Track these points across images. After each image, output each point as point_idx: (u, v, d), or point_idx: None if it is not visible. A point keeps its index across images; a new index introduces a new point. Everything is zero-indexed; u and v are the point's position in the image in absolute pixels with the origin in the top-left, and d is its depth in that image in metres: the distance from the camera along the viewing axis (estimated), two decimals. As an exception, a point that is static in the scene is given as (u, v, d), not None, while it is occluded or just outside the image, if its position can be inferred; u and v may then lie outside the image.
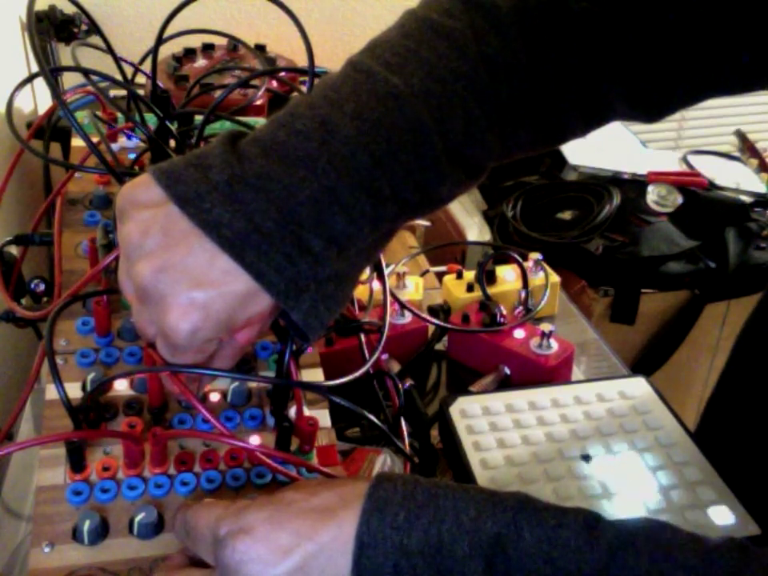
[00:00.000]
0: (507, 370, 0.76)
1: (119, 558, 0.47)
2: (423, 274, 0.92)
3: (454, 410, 0.67)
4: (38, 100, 1.42)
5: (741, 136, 2.05)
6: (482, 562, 0.40)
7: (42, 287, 0.69)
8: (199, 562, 0.46)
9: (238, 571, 0.42)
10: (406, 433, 0.65)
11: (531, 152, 0.54)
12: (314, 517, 0.43)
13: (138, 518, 0.48)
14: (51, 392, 0.52)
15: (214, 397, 0.57)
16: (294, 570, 0.41)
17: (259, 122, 0.81)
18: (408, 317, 0.80)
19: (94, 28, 0.76)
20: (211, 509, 0.45)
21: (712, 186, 1.64)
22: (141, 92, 0.72)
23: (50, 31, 1.50)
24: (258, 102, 1.14)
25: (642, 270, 1.50)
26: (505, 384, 0.76)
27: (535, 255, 0.87)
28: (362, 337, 0.69)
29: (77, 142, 0.74)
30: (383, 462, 0.63)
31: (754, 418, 0.70)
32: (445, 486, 0.44)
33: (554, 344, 0.76)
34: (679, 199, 1.59)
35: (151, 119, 0.73)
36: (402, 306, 0.79)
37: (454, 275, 0.87)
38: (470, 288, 0.85)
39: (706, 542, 0.41)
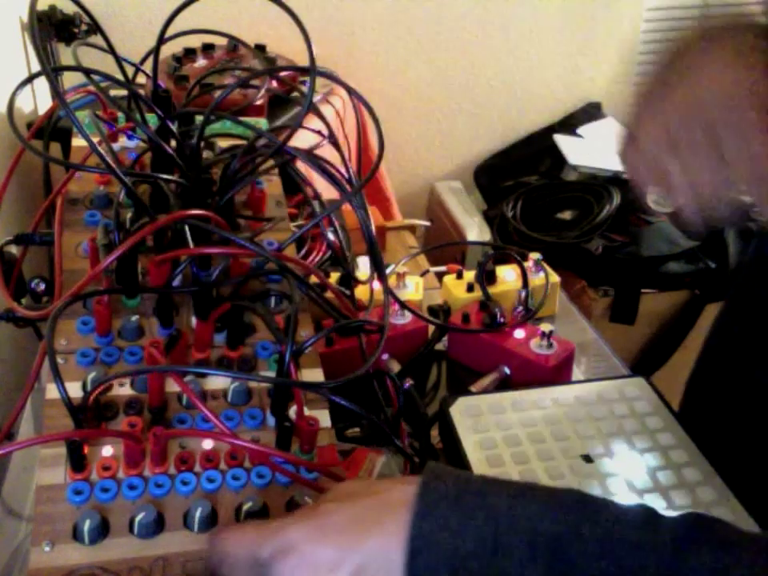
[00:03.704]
0: (507, 370, 0.76)
1: (119, 558, 0.47)
2: (423, 274, 0.92)
3: (454, 410, 0.67)
4: (38, 100, 1.42)
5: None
6: (542, 562, 0.39)
7: (42, 287, 0.69)
8: None
9: None
10: (406, 433, 0.65)
11: None
12: (357, 527, 0.42)
13: (138, 518, 0.48)
14: (51, 391, 0.52)
15: (215, 397, 0.57)
16: None
17: (260, 122, 0.81)
18: (408, 317, 0.80)
19: (95, 27, 0.76)
20: (244, 532, 0.45)
21: (712, 186, 1.64)
22: (141, 92, 0.71)
23: (50, 31, 1.50)
24: (259, 102, 1.14)
25: (642, 269, 1.50)
26: (505, 384, 0.76)
27: (535, 255, 0.87)
28: (362, 337, 0.69)
29: (77, 141, 0.74)
30: (383, 462, 0.63)
31: (731, 399, 0.70)
32: (497, 484, 0.43)
33: (554, 344, 0.76)
34: (679, 199, 1.58)
35: (152, 119, 0.73)
36: (402, 305, 0.79)
37: (454, 275, 0.87)
38: (470, 288, 0.85)
39: (756, 535, 0.41)
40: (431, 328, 0.82)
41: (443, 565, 0.40)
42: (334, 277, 0.74)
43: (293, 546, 0.42)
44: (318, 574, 0.41)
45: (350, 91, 0.72)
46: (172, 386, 0.55)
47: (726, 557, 0.39)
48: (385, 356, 0.75)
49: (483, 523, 0.40)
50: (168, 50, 0.98)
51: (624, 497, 0.59)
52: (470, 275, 0.86)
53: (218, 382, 0.57)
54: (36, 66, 1.42)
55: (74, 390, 0.54)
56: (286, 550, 0.42)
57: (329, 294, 0.67)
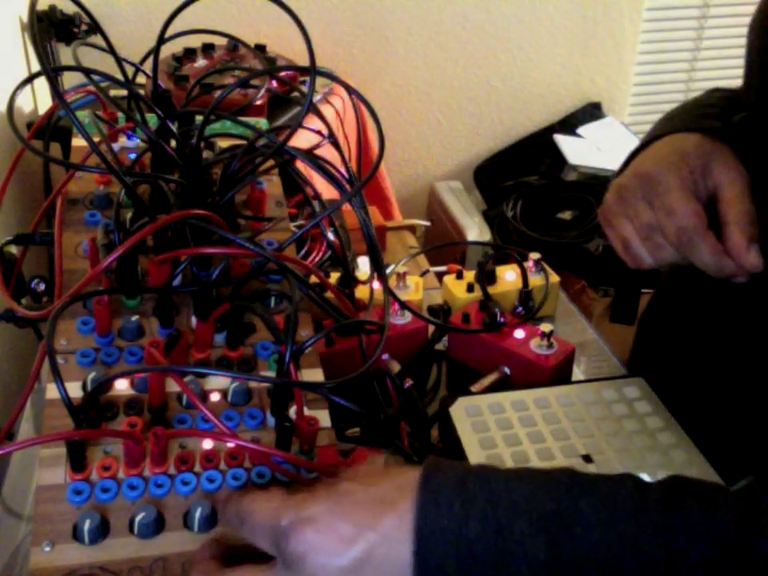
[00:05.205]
0: (507, 370, 0.76)
1: (119, 558, 0.47)
2: (423, 274, 0.92)
3: (454, 410, 0.67)
4: (38, 100, 1.42)
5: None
6: (544, 538, 0.41)
7: (42, 287, 0.69)
8: (235, 553, 0.47)
9: (302, 561, 0.43)
10: (406, 433, 0.65)
11: None
12: (373, 507, 0.44)
13: (138, 518, 0.48)
14: (51, 391, 0.52)
15: (215, 397, 0.57)
16: (358, 560, 0.42)
17: (260, 122, 0.81)
18: (408, 317, 0.80)
19: (95, 27, 0.76)
20: (270, 498, 0.46)
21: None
22: (141, 92, 0.71)
23: (50, 31, 1.50)
24: (259, 102, 1.14)
25: (641, 269, 1.50)
26: (505, 384, 0.76)
27: (535, 255, 0.87)
28: (362, 337, 0.69)
29: (77, 141, 0.74)
30: (383, 462, 0.63)
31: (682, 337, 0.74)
32: (494, 470, 0.45)
33: (554, 344, 0.76)
34: (679, 199, 1.58)
35: (152, 119, 0.73)
36: (402, 305, 0.79)
37: (453, 275, 0.87)
38: (470, 288, 0.85)
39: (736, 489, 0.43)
40: (431, 328, 0.82)
41: (450, 551, 0.41)
42: (334, 277, 0.74)
43: (312, 518, 0.44)
44: (332, 546, 0.43)
45: (350, 91, 0.72)
46: (172, 386, 0.55)
47: (711, 508, 0.41)
48: (385, 356, 0.75)
49: (485, 507, 0.42)
50: (168, 49, 0.98)
51: (624, 497, 0.59)
52: (470, 275, 0.86)
53: (218, 381, 0.57)
54: (36, 66, 1.42)
55: (74, 390, 0.54)
56: (305, 521, 0.44)
57: (329, 294, 0.67)
